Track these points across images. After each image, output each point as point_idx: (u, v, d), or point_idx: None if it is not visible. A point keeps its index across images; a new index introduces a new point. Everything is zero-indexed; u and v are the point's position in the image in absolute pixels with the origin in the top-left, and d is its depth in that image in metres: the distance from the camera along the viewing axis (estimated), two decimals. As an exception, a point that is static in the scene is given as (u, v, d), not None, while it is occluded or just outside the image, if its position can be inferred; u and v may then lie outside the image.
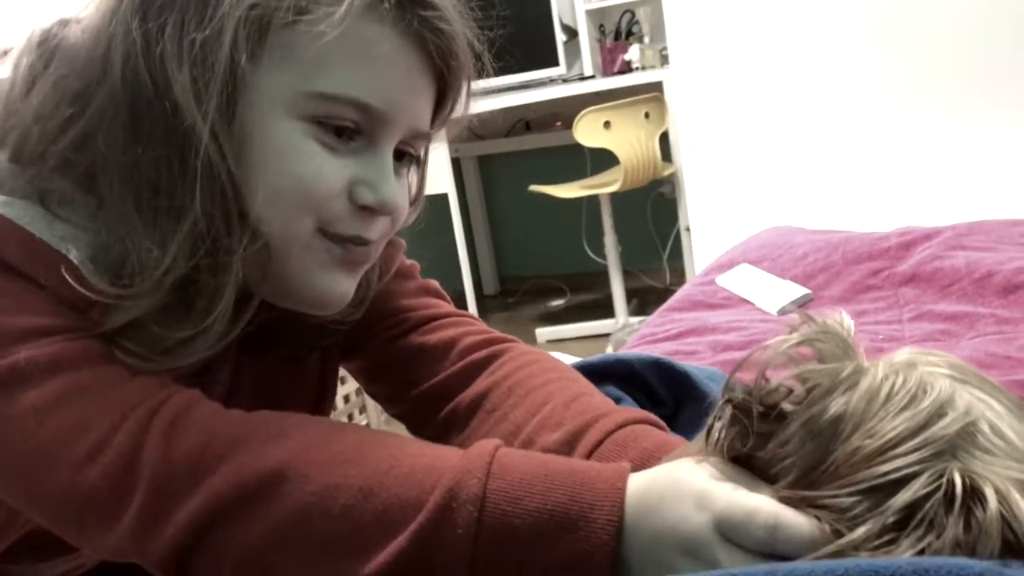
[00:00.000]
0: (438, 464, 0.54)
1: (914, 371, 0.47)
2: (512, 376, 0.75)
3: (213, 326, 0.58)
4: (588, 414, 0.68)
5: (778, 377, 0.50)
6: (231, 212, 0.57)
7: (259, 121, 0.58)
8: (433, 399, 0.76)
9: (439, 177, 3.06)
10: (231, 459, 0.53)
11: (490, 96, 3.54)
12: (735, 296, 1.51)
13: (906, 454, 0.43)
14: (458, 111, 0.69)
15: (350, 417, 2.22)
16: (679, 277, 3.38)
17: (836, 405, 0.47)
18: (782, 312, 1.40)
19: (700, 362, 1.12)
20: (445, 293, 0.84)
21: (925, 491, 0.42)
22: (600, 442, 0.65)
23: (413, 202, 0.71)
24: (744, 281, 1.53)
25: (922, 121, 2.45)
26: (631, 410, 0.70)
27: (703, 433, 0.53)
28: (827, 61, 2.52)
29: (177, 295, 0.58)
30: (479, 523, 0.50)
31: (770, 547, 0.45)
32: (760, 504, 0.46)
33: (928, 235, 1.53)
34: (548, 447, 0.66)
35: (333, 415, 2.11)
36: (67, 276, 0.55)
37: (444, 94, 0.67)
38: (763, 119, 2.64)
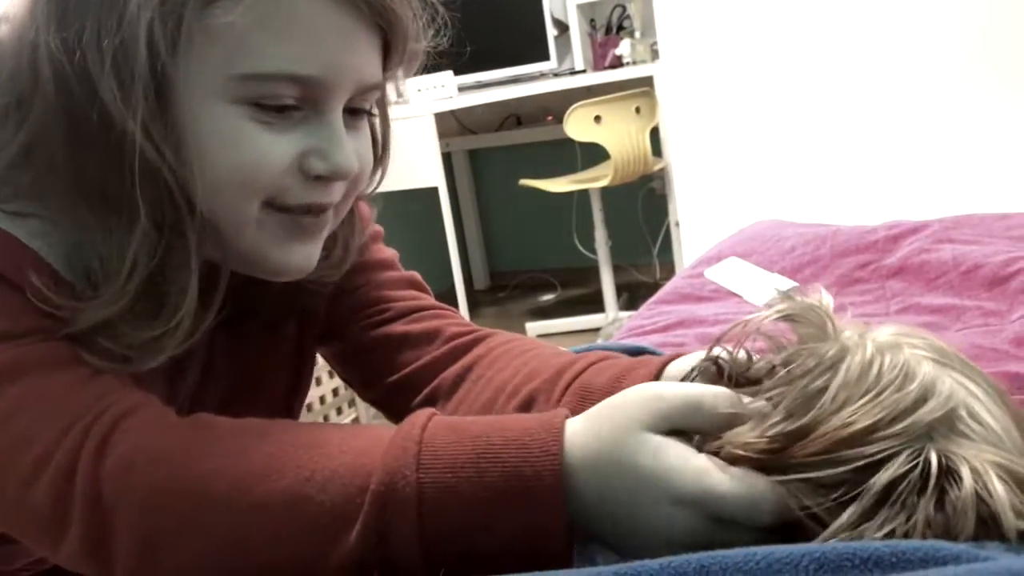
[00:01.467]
0: (363, 461, 0.51)
1: (899, 353, 0.48)
2: (498, 349, 0.75)
3: (182, 322, 0.58)
4: (567, 356, 0.69)
5: (760, 354, 0.51)
6: (180, 209, 0.56)
7: (193, 113, 0.56)
8: (415, 381, 0.76)
9: (429, 171, 3.06)
10: (152, 482, 0.52)
11: (481, 90, 3.54)
12: (723, 289, 1.51)
13: (889, 437, 0.44)
14: (411, 48, 0.65)
15: (339, 411, 2.22)
16: (669, 272, 3.38)
17: (821, 381, 0.47)
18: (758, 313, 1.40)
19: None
20: (427, 286, 0.84)
21: (903, 470, 0.42)
22: (581, 372, 0.66)
23: (382, 153, 0.70)
24: (732, 274, 1.53)
25: (911, 115, 2.46)
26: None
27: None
28: (816, 56, 2.53)
29: (143, 295, 0.57)
30: (420, 523, 0.49)
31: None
32: (761, 487, 0.46)
33: (915, 228, 1.53)
34: (532, 392, 0.67)
35: (319, 410, 2.11)
36: (35, 279, 0.55)
37: (390, 39, 0.63)
38: (752, 114, 2.64)
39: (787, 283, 1.45)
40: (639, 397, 0.50)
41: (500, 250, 4.29)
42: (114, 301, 0.56)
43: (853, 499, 0.43)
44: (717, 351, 0.54)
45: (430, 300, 0.82)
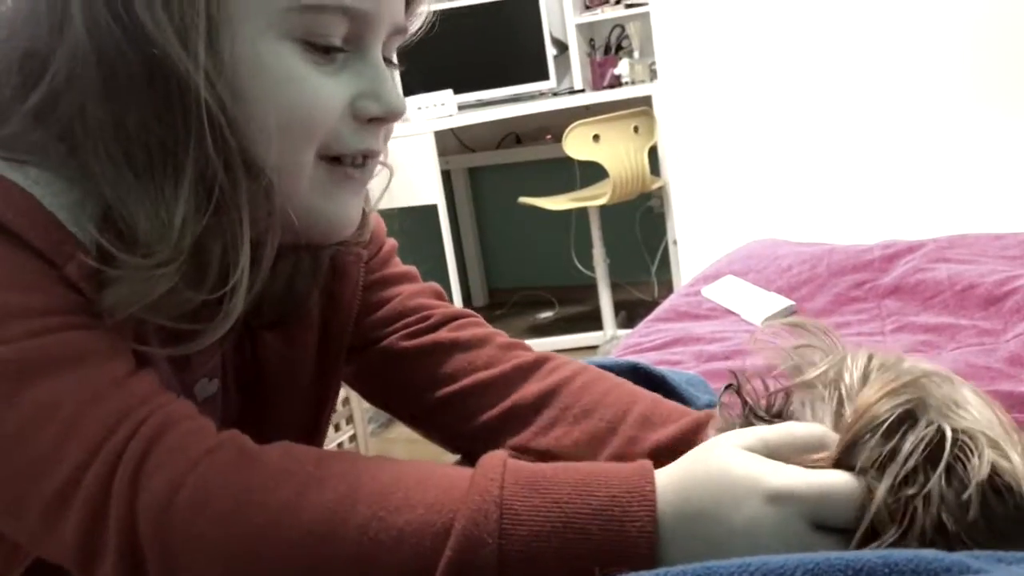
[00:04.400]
0: (436, 519, 0.47)
1: (893, 355, 0.52)
2: (578, 377, 0.71)
3: (238, 286, 0.53)
4: (689, 414, 0.65)
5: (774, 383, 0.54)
6: (233, 158, 0.52)
7: (247, 52, 0.53)
8: (477, 396, 0.72)
9: (429, 189, 3.07)
10: (194, 527, 0.48)
11: (481, 108, 3.55)
12: (720, 307, 1.52)
13: (902, 392, 0.46)
14: (423, 6, 0.64)
15: (336, 427, 2.21)
16: (667, 290, 3.38)
17: (838, 380, 0.50)
18: (766, 324, 1.41)
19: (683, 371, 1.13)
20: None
21: (924, 435, 0.44)
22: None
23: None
24: (729, 292, 1.54)
25: (907, 134, 2.48)
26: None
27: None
28: (813, 76, 2.55)
29: (189, 259, 0.52)
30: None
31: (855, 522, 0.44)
32: (839, 480, 0.45)
33: (911, 248, 1.54)
34: (662, 443, 0.65)
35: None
36: (83, 257, 0.50)
37: None
38: (750, 134, 2.66)
39: (784, 302, 1.46)
40: (727, 437, 0.50)
41: (499, 267, 4.30)
42: (170, 261, 0.51)
43: (890, 459, 0.44)
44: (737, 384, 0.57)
45: (461, 309, 0.79)
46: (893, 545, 0.42)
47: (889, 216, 2.46)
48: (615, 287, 3.39)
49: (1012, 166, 2.37)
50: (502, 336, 0.77)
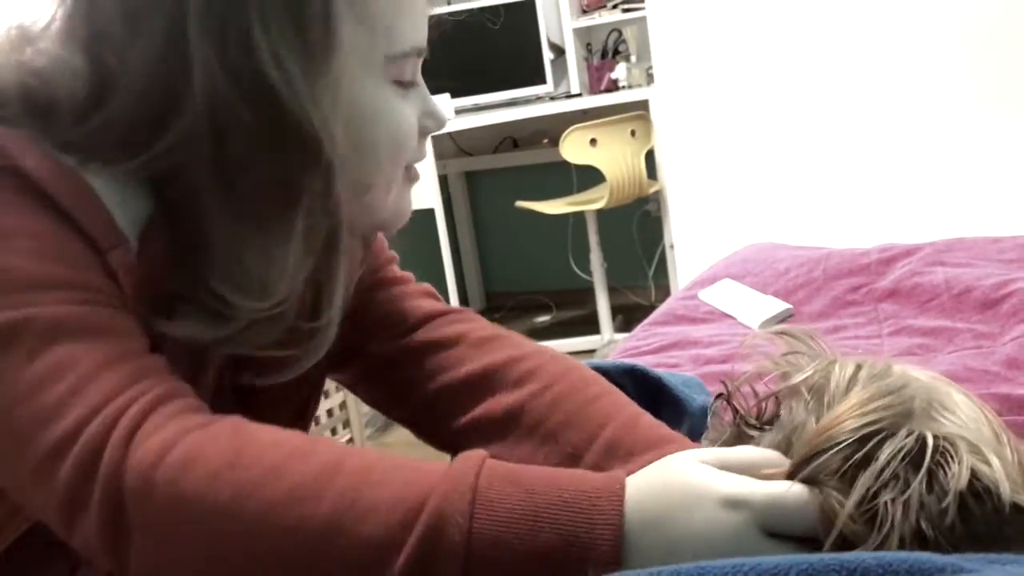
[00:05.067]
0: (409, 496, 0.49)
1: (882, 362, 0.52)
2: (552, 388, 0.71)
3: (335, 317, 0.61)
4: (656, 443, 0.65)
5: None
6: (340, 204, 0.58)
7: (360, 99, 0.61)
8: (450, 399, 0.73)
9: (426, 193, 3.07)
10: (179, 484, 0.49)
11: (478, 113, 3.55)
12: (717, 311, 1.52)
13: (879, 409, 0.47)
14: None
15: (333, 431, 2.21)
16: (664, 294, 3.38)
17: (823, 386, 0.51)
18: (763, 327, 1.41)
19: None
20: (441, 297, 0.83)
21: (902, 445, 0.45)
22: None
23: None
24: (726, 296, 1.54)
25: (904, 137, 2.48)
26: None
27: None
28: (809, 80, 2.55)
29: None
30: (466, 571, 0.47)
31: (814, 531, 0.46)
32: (790, 489, 0.46)
33: (908, 251, 1.54)
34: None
35: (314, 431, 2.09)
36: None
37: None
38: (747, 137, 2.66)
39: (781, 305, 1.46)
40: (686, 453, 0.52)
41: (496, 271, 4.30)
42: (280, 303, 0.57)
43: (861, 469, 0.45)
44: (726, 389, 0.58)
45: (444, 305, 0.80)
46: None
47: (886, 219, 2.46)
48: (612, 291, 3.39)
49: (1009, 169, 2.37)
50: (480, 330, 0.77)
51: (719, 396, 0.57)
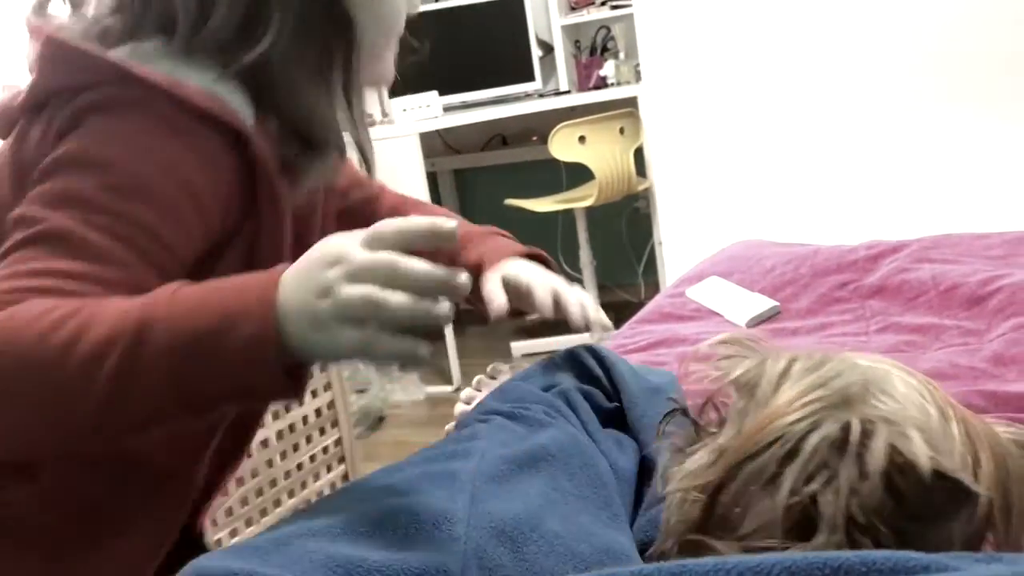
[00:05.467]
0: (127, 308, 0.62)
1: (819, 354, 0.53)
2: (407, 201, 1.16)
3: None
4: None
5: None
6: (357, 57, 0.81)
7: None
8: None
9: (415, 191, 3.06)
10: None
11: (467, 110, 3.54)
12: (704, 308, 1.52)
13: (810, 403, 0.48)
14: None
15: (321, 431, 2.20)
16: (654, 291, 3.39)
17: (755, 383, 0.52)
18: (750, 324, 1.41)
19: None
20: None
21: (828, 433, 0.46)
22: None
23: (368, 174, 0.94)
24: (714, 293, 1.54)
25: (891, 135, 2.49)
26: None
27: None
28: (797, 78, 2.56)
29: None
30: (170, 350, 0.59)
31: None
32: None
33: (895, 248, 1.55)
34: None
35: (302, 430, 2.09)
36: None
37: None
38: (735, 135, 2.67)
39: (768, 303, 1.46)
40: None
41: (485, 269, 4.29)
42: (337, 151, 0.81)
43: (790, 460, 0.46)
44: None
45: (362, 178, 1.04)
46: (820, 549, 0.44)
47: (873, 216, 2.47)
48: (602, 288, 3.39)
49: (995, 166, 2.38)
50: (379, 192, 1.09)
51: (670, 413, 0.61)
